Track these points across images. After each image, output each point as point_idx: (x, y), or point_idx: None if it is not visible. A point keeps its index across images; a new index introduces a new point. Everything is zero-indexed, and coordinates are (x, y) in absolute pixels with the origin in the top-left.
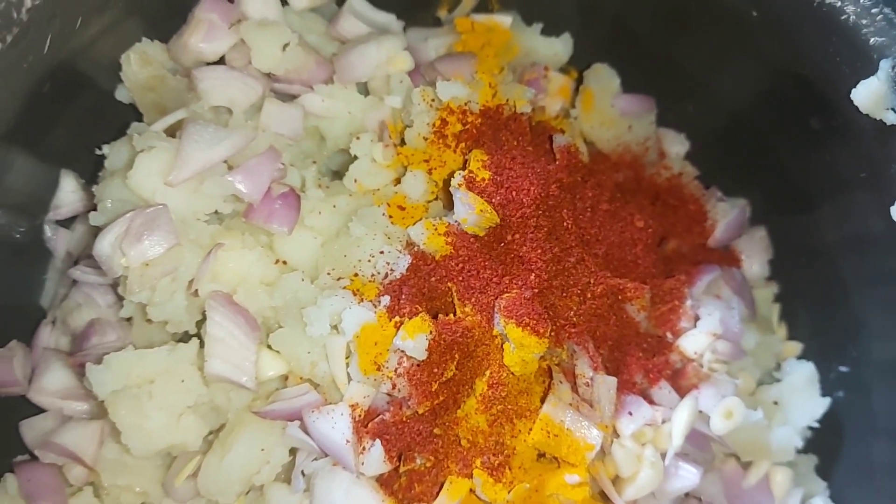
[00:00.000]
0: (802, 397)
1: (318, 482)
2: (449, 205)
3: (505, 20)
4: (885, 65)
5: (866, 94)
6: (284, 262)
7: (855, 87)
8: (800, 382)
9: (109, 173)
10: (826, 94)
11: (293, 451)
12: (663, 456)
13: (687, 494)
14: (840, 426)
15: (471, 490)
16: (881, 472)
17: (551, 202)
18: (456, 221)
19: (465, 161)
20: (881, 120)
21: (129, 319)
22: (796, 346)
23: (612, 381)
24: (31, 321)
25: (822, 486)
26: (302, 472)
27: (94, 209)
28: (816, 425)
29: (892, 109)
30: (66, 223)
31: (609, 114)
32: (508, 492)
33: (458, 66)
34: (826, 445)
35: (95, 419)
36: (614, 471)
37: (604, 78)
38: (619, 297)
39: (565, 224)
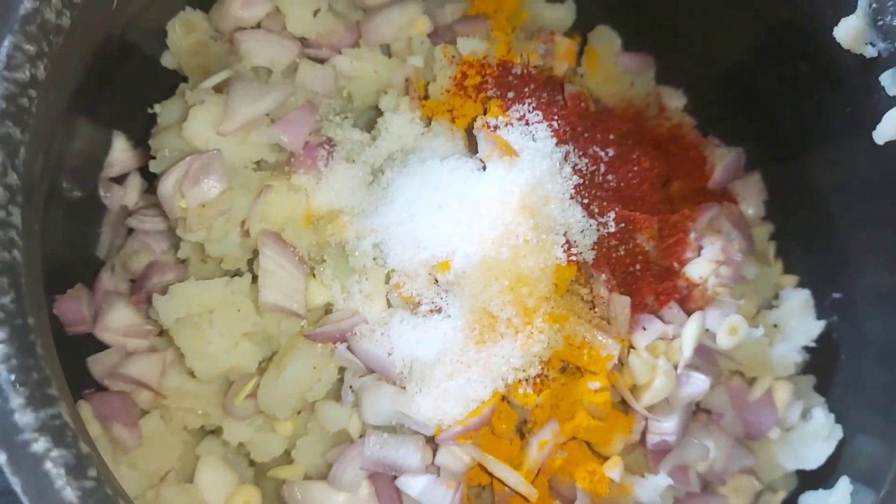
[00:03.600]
0: (799, 320)
1: (365, 395)
2: (473, 149)
3: None
4: (862, 3)
5: (847, 31)
6: (325, 204)
7: (837, 25)
8: (796, 307)
9: (163, 128)
10: (812, 37)
11: (342, 371)
12: (675, 367)
13: (698, 407)
14: (835, 348)
15: (503, 397)
16: (873, 389)
17: (565, 143)
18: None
19: (485, 109)
20: (861, 55)
21: (184, 262)
22: (793, 278)
23: (626, 299)
24: (91, 271)
25: (821, 401)
26: (350, 387)
27: (145, 165)
28: (813, 345)
29: (871, 44)
30: (118, 180)
31: (612, 71)
32: (538, 395)
33: (473, 26)
34: (823, 367)
35: (156, 352)
36: (632, 380)
37: (606, 38)
38: (630, 227)
39: (578, 161)
